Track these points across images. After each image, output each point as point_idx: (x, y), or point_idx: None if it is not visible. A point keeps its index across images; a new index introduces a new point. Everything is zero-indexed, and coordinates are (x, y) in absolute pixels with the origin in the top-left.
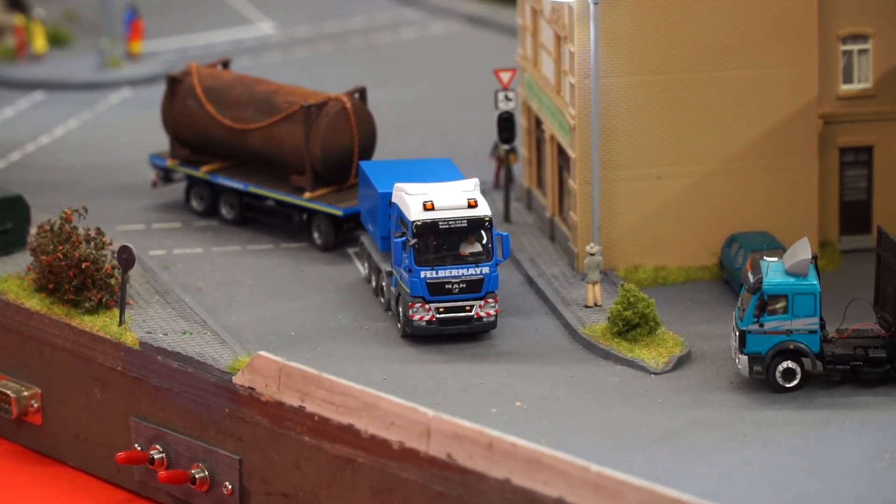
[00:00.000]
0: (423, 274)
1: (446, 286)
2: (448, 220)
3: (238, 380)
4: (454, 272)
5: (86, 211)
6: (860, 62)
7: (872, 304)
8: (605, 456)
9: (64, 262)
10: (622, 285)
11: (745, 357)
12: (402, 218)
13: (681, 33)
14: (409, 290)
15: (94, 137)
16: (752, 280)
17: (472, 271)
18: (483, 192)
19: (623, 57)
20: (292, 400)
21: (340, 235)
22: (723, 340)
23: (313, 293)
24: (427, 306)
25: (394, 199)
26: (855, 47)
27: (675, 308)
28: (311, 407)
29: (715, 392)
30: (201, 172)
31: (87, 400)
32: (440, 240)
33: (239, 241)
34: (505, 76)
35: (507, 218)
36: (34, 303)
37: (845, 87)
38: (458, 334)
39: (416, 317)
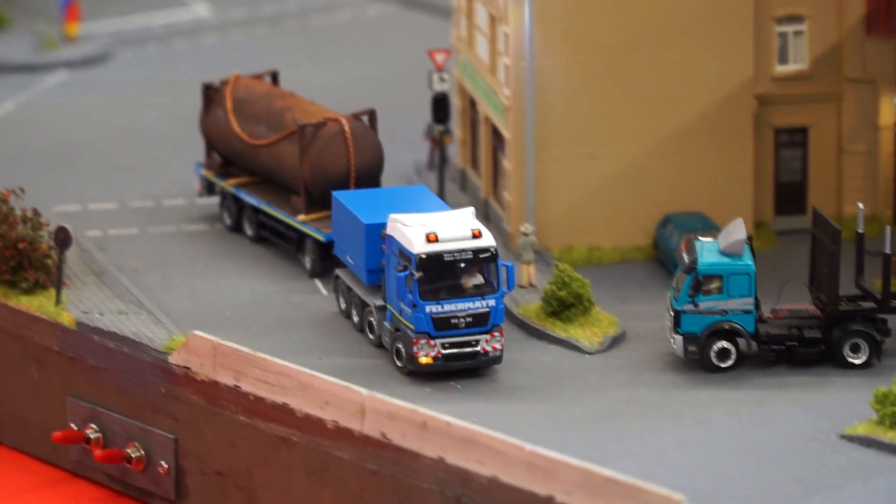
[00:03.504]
0: (428, 309)
1: (452, 321)
2: (453, 252)
3: (174, 359)
4: (460, 306)
5: (22, 191)
6: (796, 43)
7: (807, 284)
8: (540, 435)
9: (0, 242)
10: (556, 265)
11: (680, 337)
12: (402, 251)
13: (616, 14)
14: (413, 327)
15: (31, 119)
16: (686, 260)
17: (478, 304)
18: (417, 173)
19: (557, 38)
20: (227, 379)
21: (327, 263)
22: (657, 320)
23: (249, 273)
24: (432, 342)
25: (389, 232)
26: (790, 28)
27: (609, 288)
28: (245, 386)
29: (649, 372)
30: (226, 185)
31: (23, 379)
32: (445, 272)
33: (174, 222)
34: (439, 57)
35: (441, 198)
36: None
37: (781, 68)
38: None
39: (421, 353)
